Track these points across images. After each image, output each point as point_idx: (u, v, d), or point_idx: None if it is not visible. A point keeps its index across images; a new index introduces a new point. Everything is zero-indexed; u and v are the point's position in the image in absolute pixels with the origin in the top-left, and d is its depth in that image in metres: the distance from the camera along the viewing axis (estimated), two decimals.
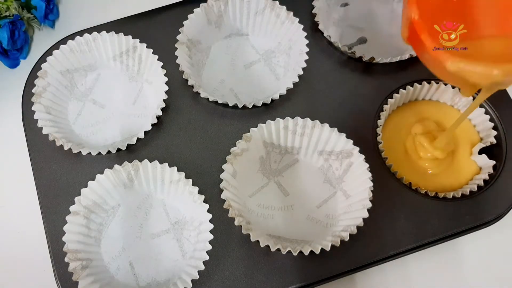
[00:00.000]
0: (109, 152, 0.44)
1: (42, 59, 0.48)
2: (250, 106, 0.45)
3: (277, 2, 0.48)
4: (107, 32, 0.47)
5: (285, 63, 0.49)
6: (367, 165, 0.41)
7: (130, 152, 0.45)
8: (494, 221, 0.43)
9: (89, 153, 0.43)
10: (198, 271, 0.39)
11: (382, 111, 0.47)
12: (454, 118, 0.48)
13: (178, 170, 0.42)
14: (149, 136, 0.46)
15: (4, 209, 0.47)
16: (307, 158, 0.46)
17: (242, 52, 0.51)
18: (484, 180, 0.45)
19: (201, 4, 0.48)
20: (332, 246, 0.38)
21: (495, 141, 0.46)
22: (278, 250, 0.39)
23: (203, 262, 0.39)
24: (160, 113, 0.44)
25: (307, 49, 0.46)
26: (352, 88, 0.48)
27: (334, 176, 0.44)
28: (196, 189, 0.41)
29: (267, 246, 0.39)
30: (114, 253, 0.42)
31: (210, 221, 0.40)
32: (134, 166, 0.42)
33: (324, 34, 0.49)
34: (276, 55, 0.50)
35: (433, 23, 0.36)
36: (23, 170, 0.46)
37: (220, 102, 0.45)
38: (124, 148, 0.44)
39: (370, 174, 0.41)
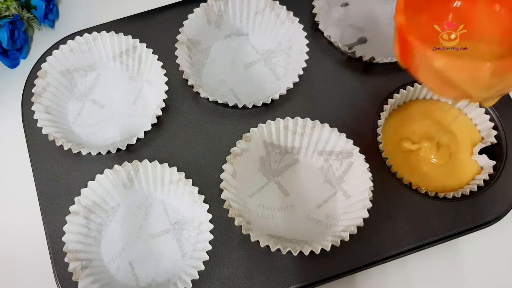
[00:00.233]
0: (109, 152, 0.44)
1: (42, 59, 0.48)
2: (250, 106, 0.45)
3: (277, 2, 0.48)
4: (107, 32, 0.47)
5: (285, 63, 0.49)
6: (367, 165, 0.41)
7: (130, 152, 0.45)
8: (494, 221, 0.43)
9: (89, 153, 0.43)
10: (198, 271, 0.39)
11: (382, 111, 0.47)
12: (454, 117, 0.48)
13: (178, 170, 0.42)
14: (149, 136, 0.46)
15: (4, 209, 0.47)
16: (307, 158, 0.45)
17: (242, 52, 0.51)
18: (484, 180, 0.45)
19: (201, 4, 0.48)
20: (332, 246, 0.38)
21: (495, 141, 0.46)
22: (278, 250, 0.39)
23: (203, 262, 0.39)
24: (160, 113, 0.44)
25: (307, 49, 0.46)
26: (352, 88, 0.48)
27: (334, 176, 0.44)
28: (196, 189, 0.41)
29: (267, 246, 0.39)
30: (114, 253, 0.42)
31: (210, 221, 0.40)
32: (134, 166, 0.42)
33: (324, 34, 0.49)
34: (276, 55, 0.50)
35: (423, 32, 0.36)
36: (23, 170, 0.46)
37: (220, 102, 0.45)
38: (124, 148, 0.44)
39: (370, 174, 0.41)
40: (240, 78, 0.49)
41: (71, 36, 0.49)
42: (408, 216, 0.43)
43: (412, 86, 0.47)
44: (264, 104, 0.46)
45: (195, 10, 0.47)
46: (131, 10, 0.52)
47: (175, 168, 0.42)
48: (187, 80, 0.45)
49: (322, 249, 0.39)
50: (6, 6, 0.51)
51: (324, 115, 0.45)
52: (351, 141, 0.42)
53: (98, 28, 0.49)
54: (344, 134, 0.42)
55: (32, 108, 0.44)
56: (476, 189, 0.44)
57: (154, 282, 0.41)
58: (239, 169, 0.43)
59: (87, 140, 0.46)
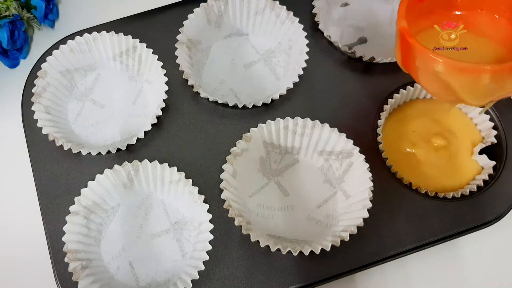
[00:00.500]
0: (109, 152, 0.44)
1: (42, 59, 0.48)
2: (250, 106, 0.45)
3: (277, 2, 0.48)
4: (107, 32, 0.47)
5: (285, 63, 0.49)
6: (367, 165, 0.41)
7: (130, 152, 0.45)
8: (494, 221, 0.43)
9: (89, 153, 0.43)
10: (198, 271, 0.39)
11: (382, 111, 0.47)
12: (454, 117, 0.48)
13: (178, 170, 0.42)
14: (149, 136, 0.46)
15: (4, 209, 0.47)
16: (307, 158, 0.45)
17: (242, 52, 0.51)
18: (484, 181, 0.45)
19: (201, 4, 0.48)
20: (332, 246, 0.38)
21: (495, 141, 0.46)
22: (278, 250, 0.39)
23: (203, 262, 0.39)
24: (160, 113, 0.44)
25: (307, 49, 0.46)
26: (352, 88, 0.48)
27: (334, 176, 0.44)
28: (196, 189, 0.41)
29: (267, 246, 0.39)
30: (114, 253, 0.42)
31: (210, 221, 0.40)
32: (134, 166, 0.42)
33: (324, 34, 0.49)
34: (276, 55, 0.50)
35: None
36: (23, 170, 0.46)
37: (220, 102, 0.45)
38: (124, 148, 0.44)
39: (370, 174, 0.41)
40: (240, 78, 0.49)
41: (71, 36, 0.49)
42: (408, 216, 0.43)
43: (412, 86, 0.47)
44: (264, 104, 0.46)
45: (195, 10, 0.47)
46: (131, 10, 0.52)
47: (175, 168, 0.42)
48: (187, 80, 0.45)
49: (322, 249, 0.39)
50: (6, 6, 0.51)
51: (324, 115, 0.45)
52: (351, 141, 0.42)
53: (98, 28, 0.49)
54: (344, 134, 0.42)
55: (32, 108, 0.44)
56: (476, 189, 0.44)
57: (154, 282, 0.41)
58: (239, 169, 0.43)
59: (87, 140, 0.46)
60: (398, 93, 0.47)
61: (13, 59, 0.53)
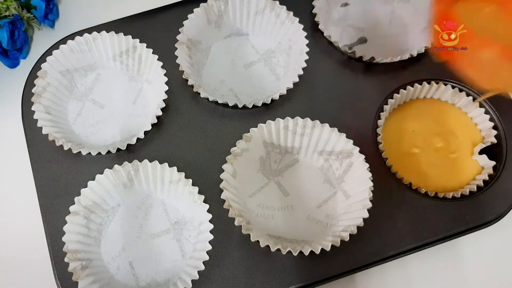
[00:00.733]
0: (109, 152, 0.44)
1: (42, 59, 0.48)
2: (250, 106, 0.45)
3: (277, 2, 0.48)
4: (107, 32, 0.47)
5: (285, 63, 0.49)
6: (367, 165, 0.41)
7: (130, 152, 0.45)
8: (494, 221, 0.43)
9: (89, 153, 0.43)
10: (198, 271, 0.39)
11: (382, 111, 0.47)
12: (454, 117, 0.48)
13: (178, 170, 0.42)
14: (149, 136, 0.46)
15: (4, 209, 0.47)
16: (307, 158, 0.45)
17: (242, 52, 0.51)
18: (484, 181, 0.45)
19: (201, 4, 0.48)
20: (332, 246, 0.38)
21: (495, 141, 0.46)
22: (278, 250, 0.39)
23: (203, 262, 0.39)
24: (160, 113, 0.44)
25: (307, 49, 0.46)
26: (352, 88, 0.48)
27: (334, 176, 0.44)
28: (196, 189, 0.41)
29: (267, 246, 0.39)
30: (114, 253, 0.42)
31: (210, 221, 0.40)
32: (134, 166, 0.42)
33: (324, 34, 0.49)
34: (276, 55, 0.50)
35: None
36: (23, 170, 0.46)
37: (220, 102, 0.45)
38: (124, 148, 0.44)
39: (370, 174, 0.41)
40: (240, 78, 0.49)
41: (71, 36, 0.49)
42: (408, 216, 0.43)
43: (412, 86, 0.47)
44: (264, 104, 0.46)
45: (195, 10, 0.47)
46: (131, 10, 0.52)
47: (175, 168, 0.42)
48: (187, 80, 0.45)
49: (322, 249, 0.38)
50: (6, 6, 0.51)
51: (324, 115, 0.45)
52: (351, 141, 0.42)
53: (98, 28, 0.49)
54: (344, 134, 0.42)
55: (32, 108, 0.44)
56: (475, 189, 0.44)
57: (154, 282, 0.41)
58: (239, 169, 0.43)
59: (87, 140, 0.46)
60: (398, 93, 0.47)
61: (13, 59, 0.53)
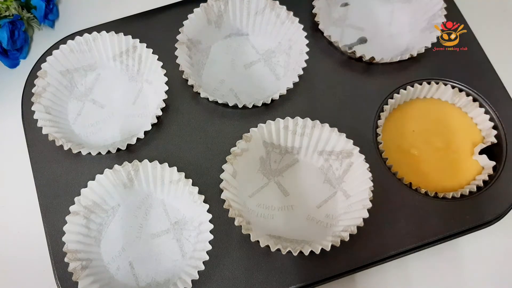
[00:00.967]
0: (109, 152, 0.44)
1: (42, 59, 0.48)
2: (250, 106, 0.45)
3: (277, 2, 0.48)
4: (107, 32, 0.47)
5: (285, 63, 0.49)
6: (367, 165, 0.41)
7: (130, 152, 0.45)
8: (494, 221, 0.43)
9: (89, 153, 0.43)
10: (198, 271, 0.39)
11: (382, 111, 0.47)
12: (454, 117, 0.48)
13: (178, 170, 0.42)
14: (149, 136, 0.46)
15: (4, 209, 0.47)
16: (307, 158, 0.45)
17: (242, 52, 0.51)
18: (484, 181, 0.45)
19: (201, 4, 0.48)
20: (332, 246, 0.38)
21: (495, 141, 0.46)
22: (278, 250, 0.39)
23: (203, 262, 0.39)
24: (160, 113, 0.44)
25: (307, 49, 0.46)
26: (352, 88, 0.48)
27: (334, 176, 0.44)
28: (196, 189, 0.41)
29: (267, 246, 0.39)
30: (114, 253, 0.42)
31: (210, 221, 0.40)
32: (134, 166, 0.42)
33: (324, 34, 0.49)
34: (276, 55, 0.50)
35: None
36: (23, 170, 0.46)
37: (220, 102, 0.45)
38: (124, 148, 0.44)
39: (370, 174, 0.41)
40: (240, 78, 0.49)
41: (71, 36, 0.49)
42: (408, 216, 0.43)
43: (412, 86, 0.47)
44: (264, 104, 0.46)
45: (195, 10, 0.47)
46: (131, 10, 0.52)
47: (175, 168, 0.42)
48: (187, 80, 0.45)
49: (322, 249, 0.39)
50: (6, 6, 0.51)
51: (324, 115, 0.45)
52: (351, 141, 0.42)
53: (98, 28, 0.49)
54: (344, 134, 0.42)
55: (32, 108, 0.44)
56: (475, 189, 0.44)
57: (154, 282, 0.41)
58: (239, 169, 0.43)
59: (87, 140, 0.46)
60: (398, 93, 0.47)
61: (13, 59, 0.53)
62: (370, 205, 0.39)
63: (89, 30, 0.49)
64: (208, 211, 0.40)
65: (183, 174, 0.42)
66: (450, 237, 0.42)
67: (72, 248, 0.39)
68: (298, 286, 0.40)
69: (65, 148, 0.43)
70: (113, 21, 0.51)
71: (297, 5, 0.49)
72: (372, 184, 0.40)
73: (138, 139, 0.44)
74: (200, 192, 0.41)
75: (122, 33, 0.47)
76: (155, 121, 0.44)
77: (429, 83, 0.48)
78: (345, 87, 0.48)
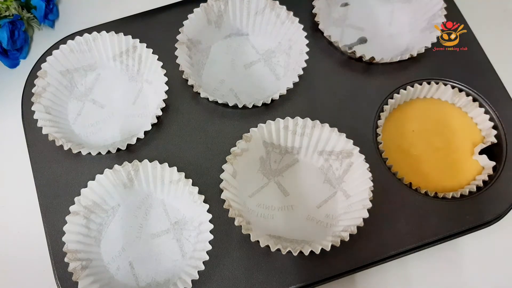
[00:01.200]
0: (109, 152, 0.44)
1: (42, 59, 0.48)
2: (250, 106, 0.45)
3: (277, 2, 0.48)
4: (107, 32, 0.47)
5: (285, 63, 0.49)
6: (367, 165, 0.41)
7: (130, 152, 0.45)
8: (494, 221, 0.43)
9: (89, 153, 0.43)
10: (198, 271, 0.39)
11: (382, 111, 0.47)
12: (454, 117, 0.48)
13: (178, 170, 0.42)
14: (149, 136, 0.46)
15: (4, 209, 0.47)
16: (307, 158, 0.45)
17: (242, 52, 0.51)
18: (484, 181, 0.45)
19: (201, 4, 0.48)
20: (332, 246, 0.38)
21: (495, 141, 0.46)
22: (278, 250, 0.39)
23: (203, 262, 0.39)
24: (160, 113, 0.44)
25: (307, 49, 0.46)
26: (352, 88, 0.48)
27: (334, 176, 0.44)
28: (196, 189, 0.41)
29: (267, 246, 0.39)
30: (114, 253, 0.42)
31: (210, 221, 0.40)
32: (134, 166, 0.42)
33: (324, 34, 0.49)
34: (276, 55, 0.50)
35: None
36: (23, 170, 0.46)
37: (220, 102, 0.45)
38: (124, 148, 0.44)
39: (370, 174, 0.41)
40: (240, 78, 0.49)
41: (71, 36, 0.49)
42: (408, 216, 0.43)
43: (412, 86, 0.47)
44: (264, 104, 0.46)
45: (195, 10, 0.47)
46: (131, 10, 0.52)
47: (175, 168, 0.42)
48: (187, 80, 0.45)
49: (322, 249, 0.39)
50: (6, 6, 0.51)
51: (324, 115, 0.45)
52: (351, 141, 0.42)
53: (98, 28, 0.49)
54: (344, 134, 0.42)
55: (32, 108, 0.44)
56: (475, 189, 0.44)
57: (154, 282, 0.41)
58: (239, 169, 0.43)
59: (87, 140, 0.46)
60: (398, 93, 0.47)
61: (13, 59, 0.53)
62: (370, 205, 0.39)
63: (89, 30, 0.49)
64: (208, 211, 0.40)
65: (183, 174, 0.42)
66: (450, 237, 0.42)
67: (72, 248, 0.39)
68: (298, 286, 0.40)
69: (65, 148, 0.43)
70: (113, 21, 0.51)
71: (297, 5, 0.49)
72: (372, 184, 0.40)
73: (138, 139, 0.44)
74: (200, 192, 0.41)
75: (122, 33, 0.47)
76: (155, 121, 0.44)
77: (429, 83, 0.48)
78: (345, 87, 0.48)
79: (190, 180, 0.41)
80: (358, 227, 0.39)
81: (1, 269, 0.45)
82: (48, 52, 0.47)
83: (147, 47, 0.47)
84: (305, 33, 0.47)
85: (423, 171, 0.45)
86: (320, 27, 0.49)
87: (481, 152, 0.46)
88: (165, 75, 0.45)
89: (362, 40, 0.51)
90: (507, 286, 0.45)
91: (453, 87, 0.48)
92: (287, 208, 0.44)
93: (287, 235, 0.42)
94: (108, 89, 0.49)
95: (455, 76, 0.48)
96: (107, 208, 0.43)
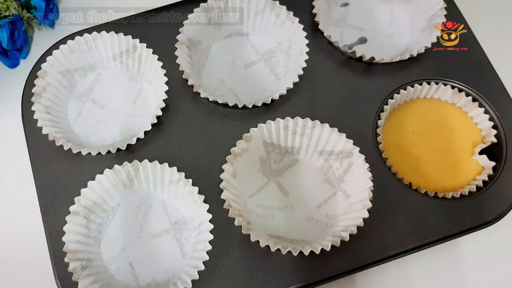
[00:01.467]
0: (109, 152, 0.44)
1: (42, 59, 0.48)
2: (250, 106, 0.45)
3: (277, 2, 0.48)
4: (107, 32, 0.47)
5: (285, 63, 0.49)
6: (367, 165, 0.41)
7: (130, 152, 0.45)
8: (494, 221, 0.43)
9: (89, 153, 0.43)
10: (198, 271, 0.39)
11: (382, 111, 0.47)
12: (454, 117, 0.48)
13: (178, 170, 0.42)
14: (149, 136, 0.46)
15: (4, 209, 0.47)
16: (307, 158, 0.45)
17: (242, 52, 0.51)
18: (483, 181, 0.45)
19: (201, 4, 0.48)
20: (332, 246, 0.38)
21: (495, 140, 0.46)
22: (278, 250, 0.39)
23: (203, 262, 0.39)
24: (160, 113, 0.44)
25: (307, 49, 0.46)
26: (352, 88, 0.48)
27: (334, 176, 0.44)
28: (196, 189, 0.41)
29: (267, 246, 0.39)
30: (114, 253, 0.42)
31: (210, 221, 0.40)
32: (134, 166, 0.42)
33: (324, 34, 0.49)
34: (276, 55, 0.50)
35: None
36: (23, 170, 0.46)
37: (220, 102, 0.45)
38: (124, 148, 0.44)
39: (370, 174, 0.41)
40: (240, 78, 0.49)
41: (71, 36, 0.49)
42: (408, 216, 0.43)
43: (412, 86, 0.47)
44: (264, 104, 0.46)
45: (195, 10, 0.47)
46: (131, 10, 0.52)
47: (175, 168, 0.42)
48: (187, 80, 0.45)
49: (322, 249, 0.39)
50: (6, 6, 0.51)
51: (324, 115, 0.45)
52: (351, 141, 0.42)
53: (98, 28, 0.49)
54: (344, 134, 0.42)
55: (32, 108, 0.44)
56: (475, 189, 0.44)
57: (154, 282, 0.41)
58: (239, 169, 0.43)
59: (87, 140, 0.46)
60: (398, 93, 0.47)
61: (13, 59, 0.53)
62: (370, 205, 0.39)
63: (89, 30, 0.49)
64: (208, 211, 0.40)
65: (183, 174, 0.42)
66: (450, 237, 0.42)
67: (72, 248, 0.39)
68: (298, 286, 0.40)
69: (65, 148, 0.43)
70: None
71: (297, 5, 0.49)
72: (372, 184, 0.40)
73: (138, 139, 0.44)
74: (200, 192, 0.41)
75: (122, 33, 0.47)
76: (155, 121, 0.44)
77: (429, 83, 0.48)
78: (345, 87, 0.48)
79: (190, 180, 0.41)
80: (358, 227, 0.39)
81: (1, 269, 0.45)
82: (48, 52, 0.47)
83: (147, 47, 0.47)
84: (305, 33, 0.47)
85: (423, 171, 0.45)
86: (320, 27, 0.49)
87: (481, 152, 0.46)
88: (165, 75, 0.45)
89: (362, 40, 0.51)
90: (507, 286, 0.45)
91: (453, 87, 0.48)
92: (287, 208, 0.44)
93: (287, 235, 0.42)
94: (108, 89, 0.49)
95: (455, 76, 0.48)
96: (107, 208, 0.43)
